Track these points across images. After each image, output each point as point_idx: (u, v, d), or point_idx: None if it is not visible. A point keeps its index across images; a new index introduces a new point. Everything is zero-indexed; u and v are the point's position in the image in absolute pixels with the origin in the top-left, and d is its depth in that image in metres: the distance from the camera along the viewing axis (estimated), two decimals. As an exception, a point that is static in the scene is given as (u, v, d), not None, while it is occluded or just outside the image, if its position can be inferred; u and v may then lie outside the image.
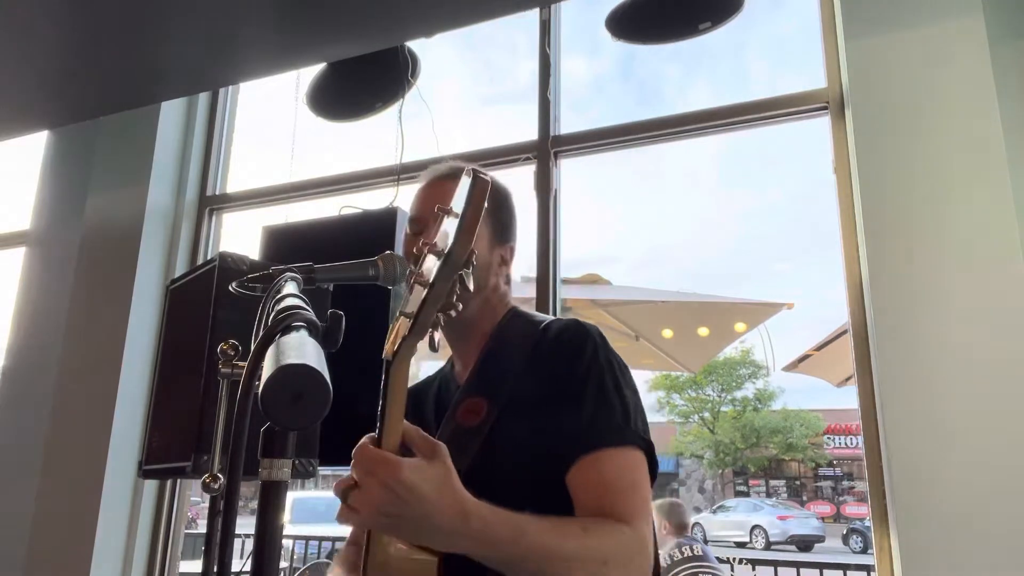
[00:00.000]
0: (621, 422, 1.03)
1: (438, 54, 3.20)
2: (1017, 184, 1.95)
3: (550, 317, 1.21)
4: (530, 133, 2.85)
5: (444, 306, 0.72)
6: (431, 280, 0.71)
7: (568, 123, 2.87)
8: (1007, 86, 2.04)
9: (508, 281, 1.28)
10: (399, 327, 0.79)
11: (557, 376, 1.07)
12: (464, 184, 0.70)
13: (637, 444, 1.02)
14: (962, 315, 1.93)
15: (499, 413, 1.07)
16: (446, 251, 0.68)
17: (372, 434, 0.85)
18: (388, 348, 0.80)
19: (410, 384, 1.40)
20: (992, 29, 2.07)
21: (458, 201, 0.72)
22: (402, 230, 2.35)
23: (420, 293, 0.75)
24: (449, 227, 0.72)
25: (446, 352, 1.33)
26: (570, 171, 2.86)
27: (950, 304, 1.95)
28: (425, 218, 1.20)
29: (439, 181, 1.24)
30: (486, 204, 0.70)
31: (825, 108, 2.39)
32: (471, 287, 0.73)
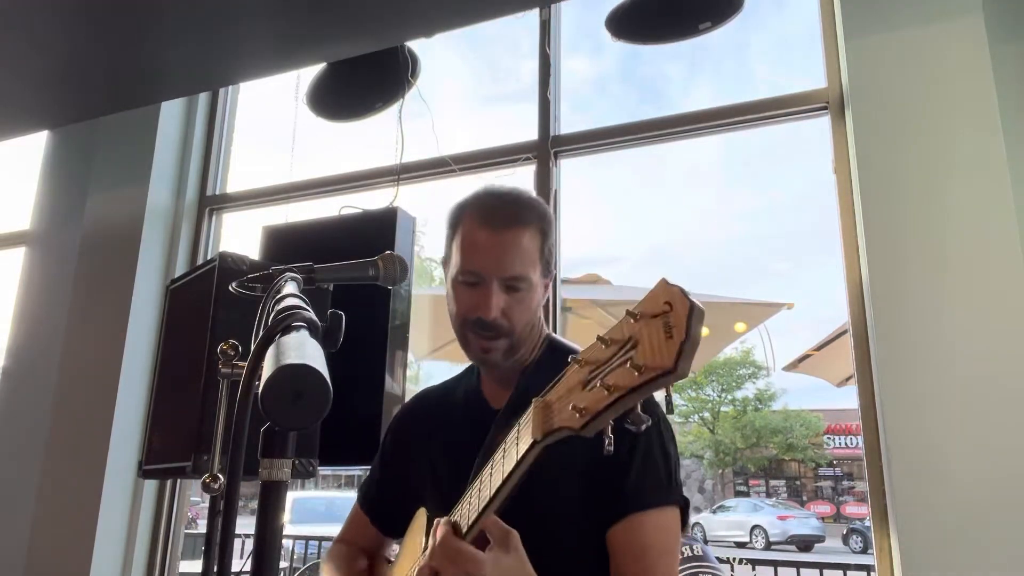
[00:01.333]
0: (665, 481, 1.07)
1: (440, 53, 3.20)
2: (1017, 184, 1.95)
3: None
4: (531, 133, 2.85)
5: (628, 416, 0.68)
6: (626, 386, 0.65)
7: (571, 123, 2.87)
8: (1007, 86, 2.04)
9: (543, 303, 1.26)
10: (552, 410, 0.76)
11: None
12: (666, 296, 0.65)
13: (677, 503, 1.07)
14: (962, 315, 1.93)
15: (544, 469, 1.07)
16: (666, 369, 0.62)
17: (447, 520, 0.88)
18: (537, 430, 0.77)
19: (425, 386, 1.40)
20: (992, 29, 2.06)
21: (647, 305, 0.67)
22: (402, 230, 2.36)
23: (589, 384, 0.70)
24: (638, 331, 0.66)
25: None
26: (571, 171, 2.86)
27: (950, 304, 1.95)
28: (488, 278, 1.11)
29: (512, 233, 1.12)
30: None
31: (825, 108, 2.39)
32: (671, 404, 0.71)
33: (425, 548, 1.07)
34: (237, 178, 3.56)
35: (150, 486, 3.10)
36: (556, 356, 1.18)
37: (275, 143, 3.59)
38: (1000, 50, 2.07)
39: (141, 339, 3.15)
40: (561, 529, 1.05)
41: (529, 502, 0.95)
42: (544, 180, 2.76)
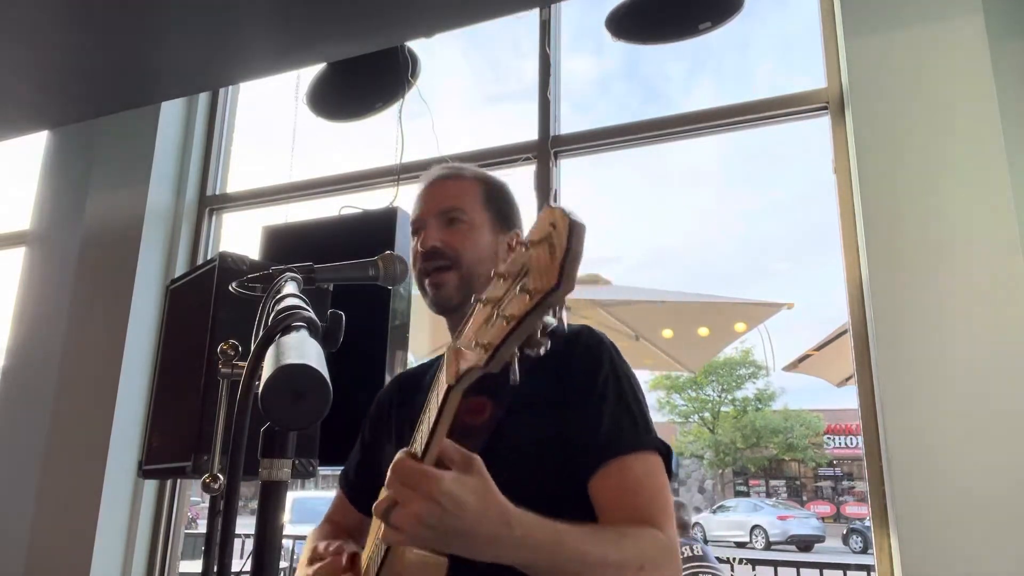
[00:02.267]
0: (642, 428, 1.05)
1: (440, 53, 3.20)
2: (1017, 184, 1.95)
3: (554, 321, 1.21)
4: (531, 133, 2.85)
5: (528, 342, 0.68)
6: (520, 312, 0.65)
7: (573, 122, 2.87)
8: (1007, 86, 2.04)
9: None
10: (462, 353, 0.76)
11: (572, 381, 1.07)
12: (550, 219, 0.65)
13: (658, 448, 1.04)
14: (962, 315, 1.93)
15: (504, 413, 1.06)
16: (551, 287, 0.62)
17: (406, 449, 0.84)
18: (451, 374, 0.77)
19: (402, 369, 1.39)
20: (992, 29, 2.07)
21: (535, 232, 0.67)
22: (402, 230, 2.36)
23: (491, 319, 0.70)
24: (528, 258, 0.67)
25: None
26: (572, 171, 2.86)
27: (950, 304, 1.95)
28: (425, 219, 1.21)
29: (441, 181, 1.24)
30: (563, 237, 0.64)
31: (825, 108, 2.39)
32: (562, 322, 0.70)
33: None
34: (237, 178, 3.56)
35: (150, 486, 3.10)
36: None
37: (275, 143, 3.59)
38: (1000, 50, 2.07)
39: (141, 339, 3.15)
40: (534, 486, 0.99)
41: (491, 449, 0.95)
42: (544, 180, 2.76)
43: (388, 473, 0.81)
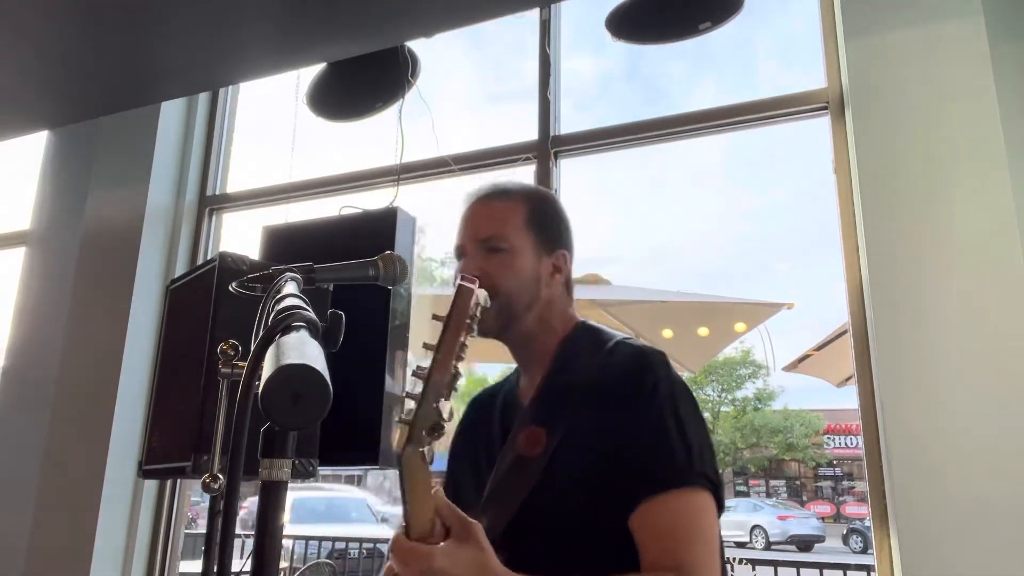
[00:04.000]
0: (684, 463, 0.99)
1: (441, 52, 3.20)
2: (1017, 184, 1.95)
3: (619, 335, 1.17)
4: (531, 133, 2.85)
5: (431, 429, 0.75)
6: (418, 397, 0.75)
7: (575, 122, 2.87)
8: (1007, 86, 2.04)
9: (569, 290, 1.24)
10: (403, 427, 0.83)
11: (618, 411, 1.03)
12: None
13: (702, 485, 0.99)
14: (962, 315, 1.93)
15: (558, 444, 1.04)
16: (426, 373, 0.71)
17: (400, 526, 0.88)
18: (397, 444, 0.83)
19: (477, 392, 1.41)
20: (992, 29, 2.06)
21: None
22: (402, 230, 2.35)
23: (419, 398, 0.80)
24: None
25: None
26: (573, 171, 2.86)
27: (950, 304, 1.95)
28: (466, 246, 1.18)
29: (483, 203, 1.21)
30: (468, 313, 0.73)
31: (825, 108, 2.39)
32: (445, 419, 0.75)
33: None
34: (237, 178, 3.56)
35: (150, 486, 3.10)
36: (584, 345, 1.16)
37: (275, 143, 3.59)
38: (1000, 50, 2.07)
39: (141, 339, 3.15)
40: (573, 520, 1.01)
41: (534, 493, 0.95)
42: (544, 180, 2.76)
43: (388, 551, 0.86)
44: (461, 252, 1.19)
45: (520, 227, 1.17)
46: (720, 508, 1.00)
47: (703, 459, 1.01)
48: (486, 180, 1.26)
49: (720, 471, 1.03)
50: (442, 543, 0.84)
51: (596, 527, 1.00)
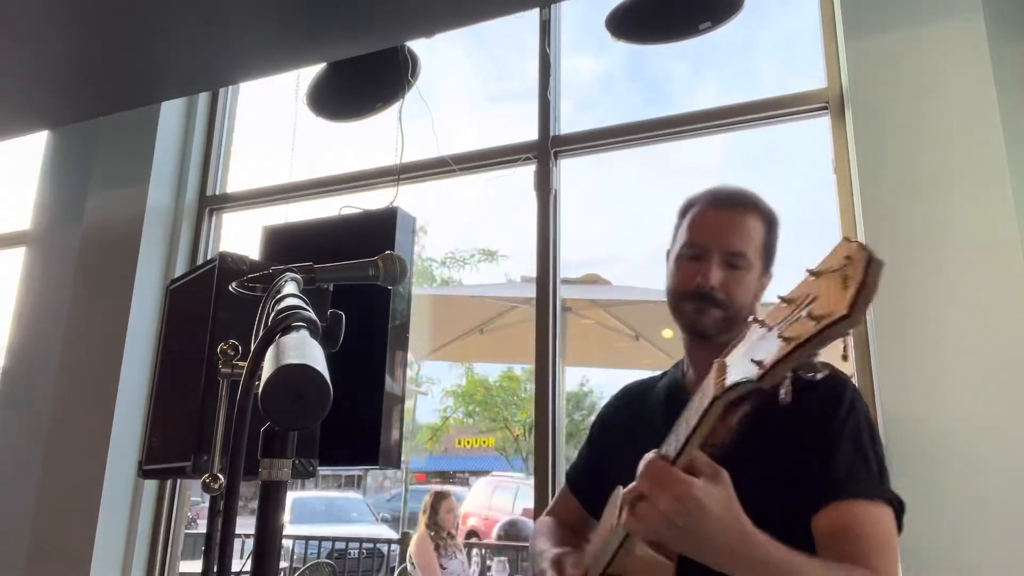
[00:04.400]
0: (878, 478, 1.05)
1: (441, 52, 3.20)
2: (1017, 184, 1.95)
3: None
4: (531, 133, 2.85)
5: (804, 366, 0.70)
6: (804, 335, 0.67)
7: (577, 121, 2.87)
8: (1007, 86, 2.04)
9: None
10: (729, 367, 0.80)
11: (811, 420, 1.06)
12: (846, 251, 0.67)
13: (892, 504, 1.04)
14: (962, 314, 1.93)
15: (741, 442, 1.05)
16: (841, 315, 0.63)
17: (656, 450, 0.90)
18: (716, 384, 0.81)
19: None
20: (992, 30, 2.06)
21: (826, 263, 0.70)
22: (402, 230, 2.36)
23: (766, 338, 0.73)
24: (816, 287, 0.69)
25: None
26: (573, 170, 2.86)
27: (950, 304, 1.95)
28: (709, 249, 1.19)
29: (733, 212, 1.21)
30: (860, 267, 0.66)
31: (825, 108, 2.39)
32: (787, 398, 0.72)
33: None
34: (237, 178, 3.56)
35: (150, 486, 3.10)
36: None
37: (275, 143, 3.59)
38: (1000, 50, 2.07)
39: (141, 339, 3.15)
40: (755, 515, 1.01)
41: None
42: (544, 180, 2.76)
43: (640, 469, 0.88)
44: (699, 252, 1.19)
45: (759, 247, 1.20)
46: (900, 528, 1.06)
47: (888, 479, 1.07)
48: (721, 182, 1.26)
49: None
50: (697, 478, 0.86)
51: (770, 524, 1.00)
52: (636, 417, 1.34)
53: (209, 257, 3.10)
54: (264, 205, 3.41)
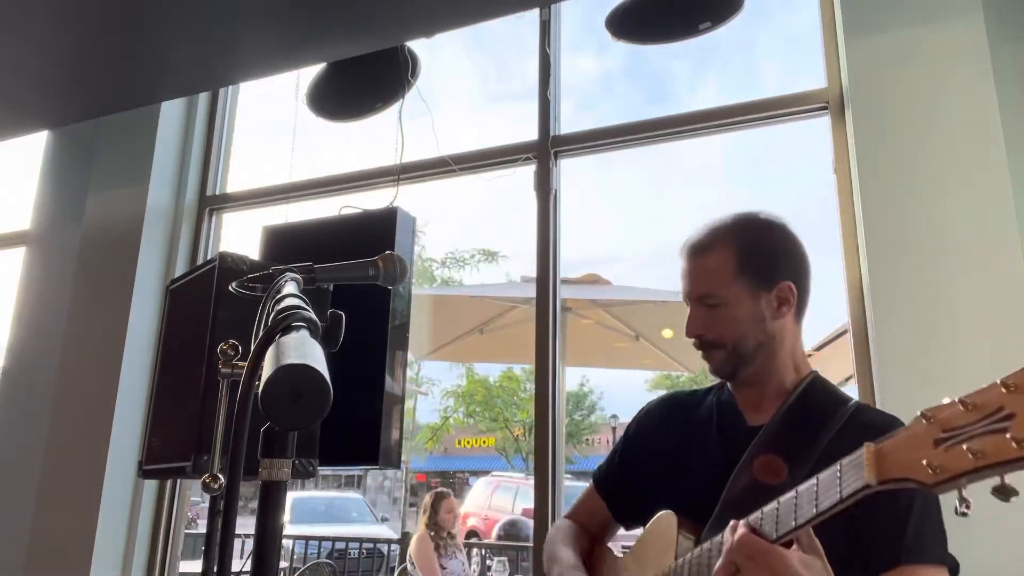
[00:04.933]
0: (940, 540, 1.07)
1: (442, 52, 3.20)
2: (1017, 184, 1.95)
3: (854, 398, 1.23)
4: (532, 132, 2.85)
5: (1001, 490, 0.71)
6: (1001, 458, 0.67)
7: (578, 121, 2.87)
8: (1007, 86, 2.04)
9: (798, 320, 1.26)
10: (889, 458, 0.80)
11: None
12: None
13: (950, 567, 1.06)
14: (962, 315, 1.93)
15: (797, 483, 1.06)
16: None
17: (745, 522, 0.91)
18: (872, 475, 0.81)
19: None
20: (992, 30, 2.06)
21: (1019, 378, 0.68)
22: (402, 230, 2.36)
23: (946, 443, 0.72)
24: (1011, 402, 0.67)
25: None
26: (573, 170, 2.86)
27: (950, 304, 1.95)
28: (688, 300, 1.25)
29: (696, 257, 1.26)
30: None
31: (825, 108, 2.39)
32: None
33: (677, 554, 1.13)
34: (237, 178, 3.56)
35: (150, 486, 3.10)
36: (823, 396, 1.21)
37: (275, 143, 3.59)
38: (1000, 50, 2.07)
39: (141, 339, 3.15)
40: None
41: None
42: (544, 180, 2.76)
43: (733, 543, 0.90)
44: (688, 304, 1.26)
45: (730, 278, 1.21)
46: None
47: (947, 543, 1.09)
48: (693, 229, 1.29)
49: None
50: (792, 550, 0.87)
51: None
52: (682, 431, 1.33)
53: (209, 257, 3.10)
54: (264, 205, 3.41)
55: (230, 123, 3.63)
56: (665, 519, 1.21)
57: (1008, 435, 0.65)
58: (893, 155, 2.10)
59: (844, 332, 2.35)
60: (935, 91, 2.09)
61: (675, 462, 1.29)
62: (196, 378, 1.69)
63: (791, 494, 0.91)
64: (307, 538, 7.26)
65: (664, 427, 1.38)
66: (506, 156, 2.89)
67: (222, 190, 3.51)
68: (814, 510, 0.85)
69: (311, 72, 3.04)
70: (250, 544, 0.73)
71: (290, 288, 0.95)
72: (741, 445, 1.18)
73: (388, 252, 1.18)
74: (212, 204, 3.46)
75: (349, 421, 1.55)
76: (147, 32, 2.65)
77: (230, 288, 1.09)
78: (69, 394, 3.15)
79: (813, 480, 0.89)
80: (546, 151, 2.78)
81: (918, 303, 1.98)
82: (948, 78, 2.08)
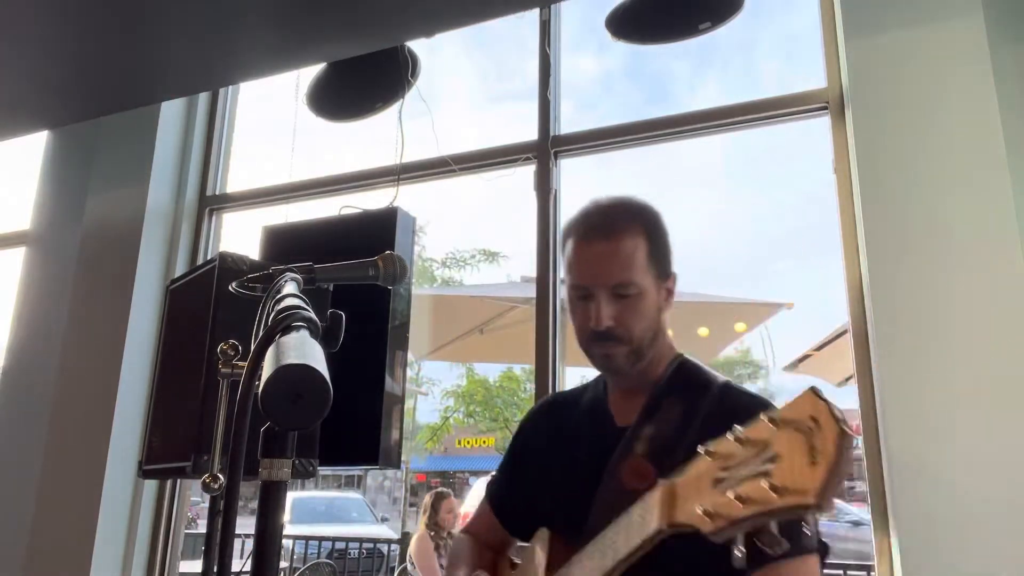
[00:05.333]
0: (800, 529, 1.01)
1: (442, 52, 3.20)
2: (1017, 184, 1.95)
3: (723, 377, 1.16)
4: (532, 133, 2.85)
5: (766, 540, 0.64)
6: (760, 509, 0.60)
7: (578, 121, 2.87)
8: (1007, 86, 2.04)
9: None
10: (679, 499, 0.73)
11: None
12: (811, 410, 0.59)
13: (819, 551, 1.01)
14: (962, 315, 1.93)
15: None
16: (807, 503, 0.57)
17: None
18: (662, 516, 0.76)
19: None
20: (992, 30, 2.06)
21: (789, 412, 0.62)
22: (402, 230, 2.36)
23: (721, 484, 0.66)
24: (777, 440, 0.61)
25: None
26: (573, 170, 2.86)
27: (950, 304, 1.95)
28: (594, 289, 1.13)
29: (609, 242, 1.14)
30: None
31: (825, 108, 2.39)
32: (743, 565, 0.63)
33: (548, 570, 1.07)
34: (237, 178, 3.56)
35: (150, 486, 3.10)
36: (689, 382, 1.15)
37: (275, 143, 3.59)
38: (1000, 50, 2.07)
39: (141, 339, 3.15)
40: (681, 561, 0.97)
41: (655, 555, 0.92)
42: (544, 180, 2.76)
43: None
44: (585, 293, 1.14)
45: (644, 265, 1.14)
46: (823, 566, 1.02)
47: (814, 524, 1.04)
48: (596, 200, 1.20)
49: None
50: None
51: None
52: (559, 435, 1.27)
53: (209, 257, 3.10)
54: (264, 205, 3.41)
55: (230, 123, 3.63)
56: (538, 540, 1.15)
57: (765, 482, 0.59)
58: (893, 155, 2.10)
59: (844, 332, 2.35)
60: (935, 91, 2.09)
61: (550, 471, 1.23)
62: (196, 378, 1.69)
63: (613, 527, 0.86)
64: (307, 538, 7.26)
65: (543, 433, 1.31)
66: (506, 156, 2.89)
67: (222, 190, 3.51)
68: (617, 557, 0.81)
69: (311, 72, 3.04)
70: (250, 544, 0.73)
71: (290, 288, 0.95)
72: (610, 448, 1.12)
73: (388, 252, 1.18)
74: (212, 204, 3.46)
75: (349, 421, 1.55)
76: (147, 32, 2.65)
77: (230, 288, 1.09)
78: (69, 394, 3.15)
79: (625, 517, 0.84)
80: (546, 151, 2.78)
81: (918, 303, 1.98)
82: (948, 78, 2.08)
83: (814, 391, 0.61)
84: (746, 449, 0.65)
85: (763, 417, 0.63)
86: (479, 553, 1.33)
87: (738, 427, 0.66)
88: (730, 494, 0.63)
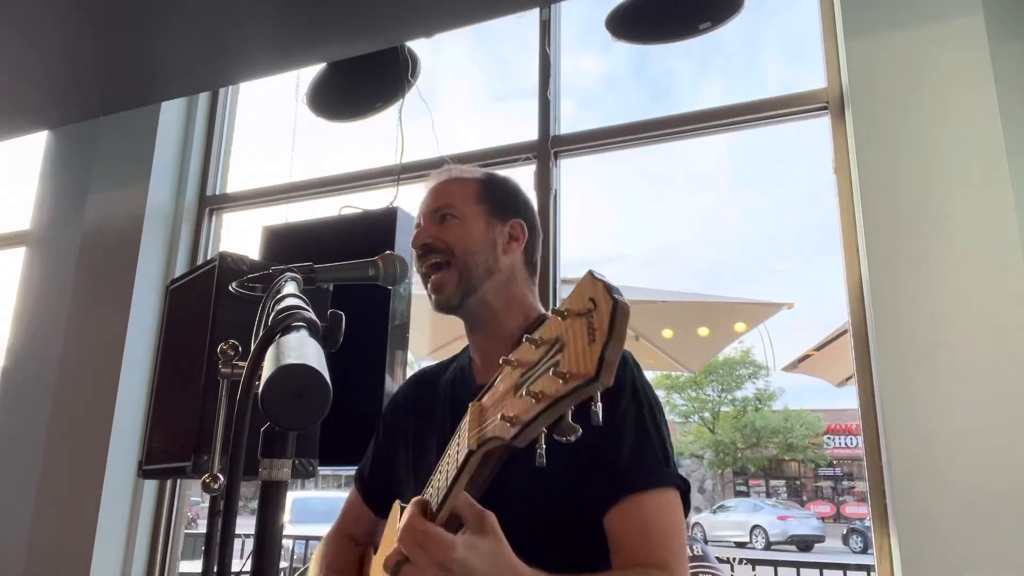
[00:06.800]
0: (662, 462, 1.03)
1: (442, 52, 3.20)
2: (1017, 184, 1.95)
3: None
4: (532, 133, 2.85)
5: (559, 427, 0.62)
6: (551, 396, 0.59)
7: (580, 120, 2.87)
8: (1007, 85, 2.04)
9: (532, 271, 1.26)
10: (486, 414, 0.72)
11: (590, 410, 1.02)
12: (590, 292, 0.58)
13: (677, 484, 1.02)
14: (962, 315, 1.93)
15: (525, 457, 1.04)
16: (588, 378, 0.56)
17: (417, 500, 0.83)
18: (473, 439, 0.74)
19: (419, 367, 1.40)
20: (992, 29, 2.06)
21: (571, 302, 0.61)
22: (403, 230, 2.36)
23: (519, 389, 0.65)
24: (563, 330, 0.60)
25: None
26: (573, 170, 2.86)
27: (950, 304, 1.95)
28: (420, 221, 1.26)
29: (436, 185, 1.28)
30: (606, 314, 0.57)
31: (825, 108, 2.39)
32: (600, 421, 0.62)
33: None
34: (237, 178, 3.56)
35: (150, 486, 3.10)
36: None
37: (275, 143, 3.59)
38: (1000, 50, 2.07)
39: (141, 339, 3.15)
40: (546, 512, 1.00)
41: (507, 483, 0.90)
42: (544, 180, 2.76)
43: (400, 528, 0.80)
44: (418, 223, 1.26)
45: (470, 199, 1.22)
46: (687, 508, 1.03)
47: (672, 460, 1.05)
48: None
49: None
50: (460, 533, 0.80)
51: (563, 527, 0.99)
52: (422, 407, 1.27)
53: (209, 257, 3.10)
54: (264, 205, 3.41)
55: (230, 123, 3.63)
56: (395, 507, 1.14)
57: (553, 371, 0.59)
58: (893, 155, 2.10)
59: (844, 332, 2.36)
60: (935, 91, 2.09)
61: (414, 441, 1.24)
62: (196, 378, 1.69)
63: (444, 458, 0.85)
64: (307, 538, 7.25)
65: (409, 407, 1.31)
66: (506, 156, 2.89)
67: (222, 190, 3.51)
68: (447, 482, 0.79)
69: (311, 72, 3.04)
70: (250, 544, 0.73)
71: (290, 288, 0.95)
72: (466, 406, 1.14)
73: (388, 252, 1.19)
74: (212, 204, 3.46)
75: (349, 421, 1.55)
76: (147, 32, 2.65)
77: (230, 288, 1.09)
78: (69, 394, 3.15)
79: (446, 454, 0.83)
80: (546, 151, 2.78)
81: (918, 303, 1.98)
82: (948, 78, 2.08)
83: (592, 273, 0.61)
84: (540, 349, 0.64)
85: (551, 314, 0.63)
86: (339, 551, 1.32)
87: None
88: (526, 395, 0.63)
